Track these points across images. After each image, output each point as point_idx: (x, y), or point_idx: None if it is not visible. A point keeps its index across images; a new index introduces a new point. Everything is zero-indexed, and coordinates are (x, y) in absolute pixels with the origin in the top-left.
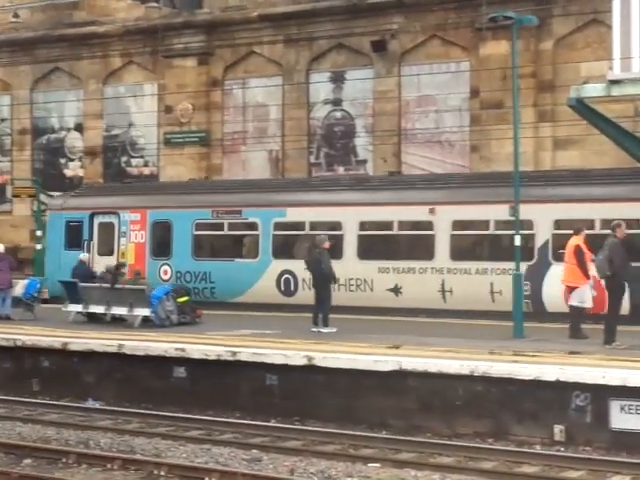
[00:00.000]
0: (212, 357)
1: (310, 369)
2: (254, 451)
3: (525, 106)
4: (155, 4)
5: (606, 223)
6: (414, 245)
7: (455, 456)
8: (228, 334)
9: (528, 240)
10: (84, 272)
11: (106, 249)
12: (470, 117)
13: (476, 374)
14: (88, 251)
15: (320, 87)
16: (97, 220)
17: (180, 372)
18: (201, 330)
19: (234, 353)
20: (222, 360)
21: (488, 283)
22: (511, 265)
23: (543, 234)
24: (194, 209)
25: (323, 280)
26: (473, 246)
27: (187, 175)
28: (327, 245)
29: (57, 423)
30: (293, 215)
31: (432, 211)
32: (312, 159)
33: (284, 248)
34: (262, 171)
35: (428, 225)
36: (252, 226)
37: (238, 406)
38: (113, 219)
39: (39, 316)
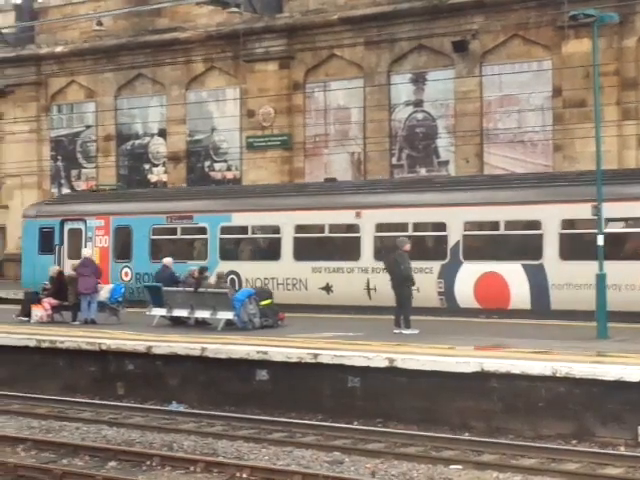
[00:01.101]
0: (294, 360)
1: (391, 371)
2: (336, 453)
3: (608, 104)
4: (236, 9)
5: (510, 224)
6: (343, 246)
7: (538, 458)
8: (310, 337)
9: (442, 241)
10: (168, 276)
11: (75, 253)
12: (553, 116)
13: (559, 375)
14: (59, 255)
15: (401, 88)
16: (67, 226)
17: (262, 375)
18: (283, 333)
19: (316, 355)
20: (304, 363)
21: None
22: (429, 264)
23: (455, 235)
24: (151, 215)
25: (403, 282)
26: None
27: (269, 179)
28: (407, 247)
29: (141, 426)
30: (238, 220)
31: (358, 214)
32: (394, 161)
33: (230, 250)
34: (344, 173)
35: (355, 228)
36: (202, 230)
37: (320, 408)
38: (81, 225)
39: (123, 320)
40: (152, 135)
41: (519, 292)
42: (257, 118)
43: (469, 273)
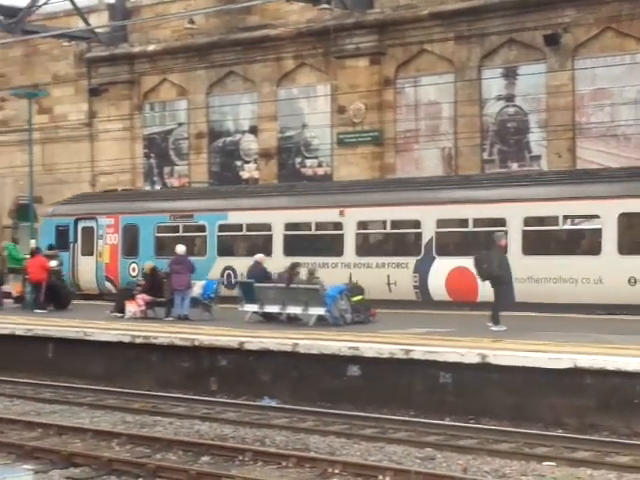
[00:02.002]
0: (385, 355)
1: (484, 367)
2: (428, 449)
3: None
4: (327, 5)
5: (478, 221)
6: (328, 243)
7: (633, 455)
8: (402, 332)
9: (417, 238)
10: (260, 272)
11: (87, 250)
12: None
13: None
14: (73, 251)
15: (492, 83)
16: (80, 225)
17: (354, 370)
18: (375, 329)
19: (407, 351)
20: (395, 358)
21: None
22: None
23: (429, 232)
24: (156, 214)
25: (497, 277)
26: (376, 243)
27: (360, 175)
28: (504, 242)
29: (234, 421)
30: (233, 218)
31: (342, 213)
32: (485, 156)
33: (227, 247)
34: (435, 169)
35: (339, 225)
36: (201, 228)
37: (411, 404)
38: (93, 223)
39: (216, 316)
40: (243, 132)
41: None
42: (348, 114)
43: (441, 268)
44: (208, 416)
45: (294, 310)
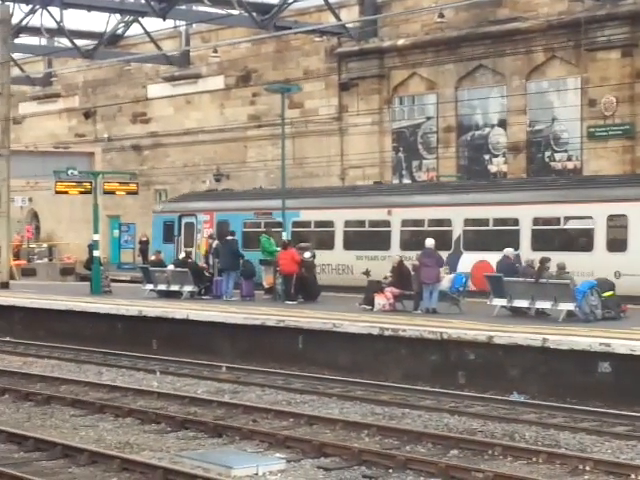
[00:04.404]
0: (638, 352)
1: None
2: None
3: None
4: None
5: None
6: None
7: None
8: None
9: (447, 234)
10: (508, 267)
11: (189, 242)
12: None
13: None
14: (177, 244)
15: None
16: (183, 220)
17: (605, 367)
18: (627, 325)
19: None
20: None
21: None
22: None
23: (458, 230)
24: (243, 212)
25: None
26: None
27: (611, 169)
28: None
29: (482, 415)
30: (304, 216)
31: (389, 212)
32: None
33: (299, 241)
34: None
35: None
36: (279, 224)
37: None
38: (193, 219)
39: (464, 310)
40: (492, 126)
41: None
42: (599, 107)
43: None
44: (456, 410)
45: (543, 305)
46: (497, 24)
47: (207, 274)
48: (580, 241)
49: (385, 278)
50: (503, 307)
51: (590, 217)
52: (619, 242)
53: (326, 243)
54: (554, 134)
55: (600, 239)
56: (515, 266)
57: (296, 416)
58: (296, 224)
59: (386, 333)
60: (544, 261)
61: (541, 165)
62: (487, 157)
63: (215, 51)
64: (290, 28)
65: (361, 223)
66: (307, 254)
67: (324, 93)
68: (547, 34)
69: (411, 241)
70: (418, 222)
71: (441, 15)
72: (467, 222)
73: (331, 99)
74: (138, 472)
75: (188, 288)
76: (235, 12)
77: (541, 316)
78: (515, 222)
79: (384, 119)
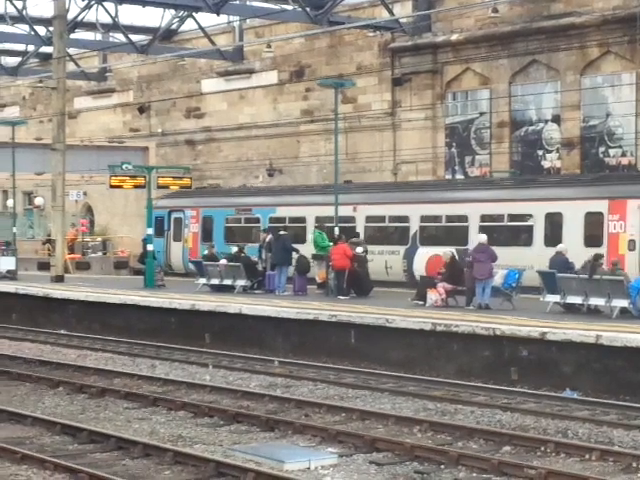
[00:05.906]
0: None
1: None
2: None
3: None
4: None
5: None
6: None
7: None
8: None
9: (405, 230)
10: (561, 263)
11: (177, 236)
12: None
13: None
14: (166, 238)
15: None
16: (172, 216)
17: None
18: None
19: None
20: None
21: None
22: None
23: (414, 226)
24: (226, 208)
25: None
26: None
27: None
28: None
29: (535, 412)
30: (280, 212)
31: (355, 209)
32: None
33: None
34: None
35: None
36: (257, 220)
37: None
38: (181, 215)
39: (517, 306)
40: (546, 121)
41: None
42: None
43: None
44: (508, 406)
45: (596, 301)
46: (551, 19)
47: (261, 268)
48: (522, 237)
49: (438, 274)
50: (556, 303)
51: (530, 215)
52: (556, 237)
53: (300, 238)
54: (608, 130)
55: (539, 235)
56: (568, 262)
57: (348, 411)
58: (272, 220)
59: (438, 329)
60: (598, 257)
61: (595, 161)
62: (540, 153)
63: (269, 46)
64: (343, 23)
65: (330, 219)
66: (359, 249)
67: (377, 88)
68: (602, 29)
69: (375, 236)
70: (380, 218)
71: (495, 10)
72: (423, 219)
73: (384, 94)
74: (190, 465)
75: (241, 282)
76: (289, 7)
77: (594, 313)
78: (465, 219)
79: (437, 114)
